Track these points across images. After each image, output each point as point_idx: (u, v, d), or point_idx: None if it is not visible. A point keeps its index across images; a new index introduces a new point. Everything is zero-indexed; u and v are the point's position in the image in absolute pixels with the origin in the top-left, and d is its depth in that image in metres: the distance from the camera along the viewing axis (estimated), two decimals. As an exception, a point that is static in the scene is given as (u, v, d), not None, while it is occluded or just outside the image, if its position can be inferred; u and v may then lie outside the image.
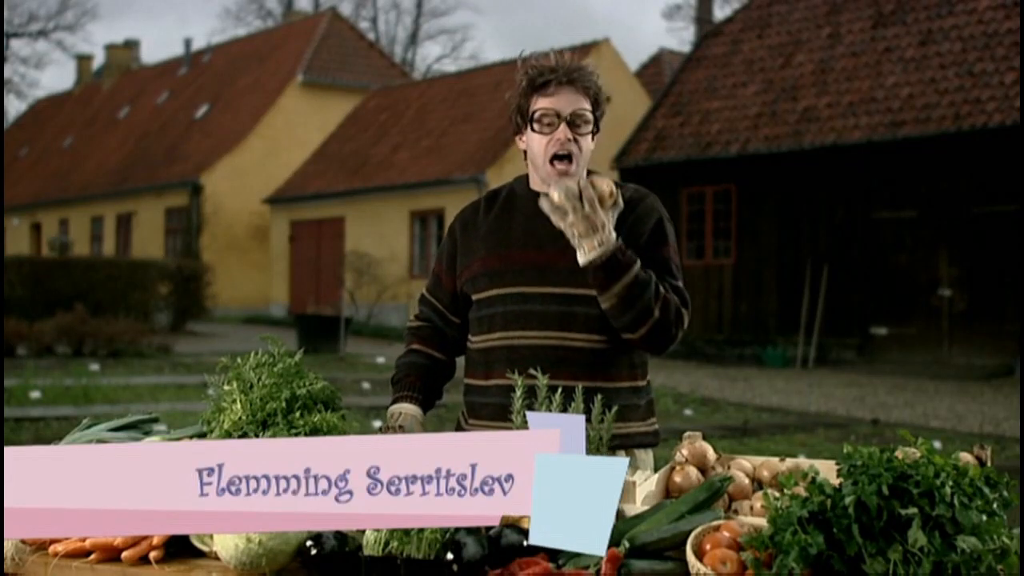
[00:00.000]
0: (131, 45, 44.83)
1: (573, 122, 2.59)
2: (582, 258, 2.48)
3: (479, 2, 73.84)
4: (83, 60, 45.97)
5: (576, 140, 2.60)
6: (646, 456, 2.74)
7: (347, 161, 27.72)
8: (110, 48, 43.05)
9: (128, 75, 41.93)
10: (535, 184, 2.72)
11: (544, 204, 2.45)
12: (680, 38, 65.87)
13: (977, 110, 16.43)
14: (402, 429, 2.65)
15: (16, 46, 62.43)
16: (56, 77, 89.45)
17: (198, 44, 41.32)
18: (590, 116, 2.62)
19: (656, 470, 2.37)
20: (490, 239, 2.72)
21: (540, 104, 2.60)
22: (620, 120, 22.74)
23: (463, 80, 28.61)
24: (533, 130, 2.62)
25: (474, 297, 2.73)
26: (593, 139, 2.67)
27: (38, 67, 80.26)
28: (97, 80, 43.95)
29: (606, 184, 2.47)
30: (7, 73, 47.06)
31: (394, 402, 2.75)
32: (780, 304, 18.66)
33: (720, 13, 33.84)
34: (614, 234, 2.47)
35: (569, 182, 2.44)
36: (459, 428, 2.80)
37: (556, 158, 2.61)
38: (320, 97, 31.36)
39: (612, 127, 22.73)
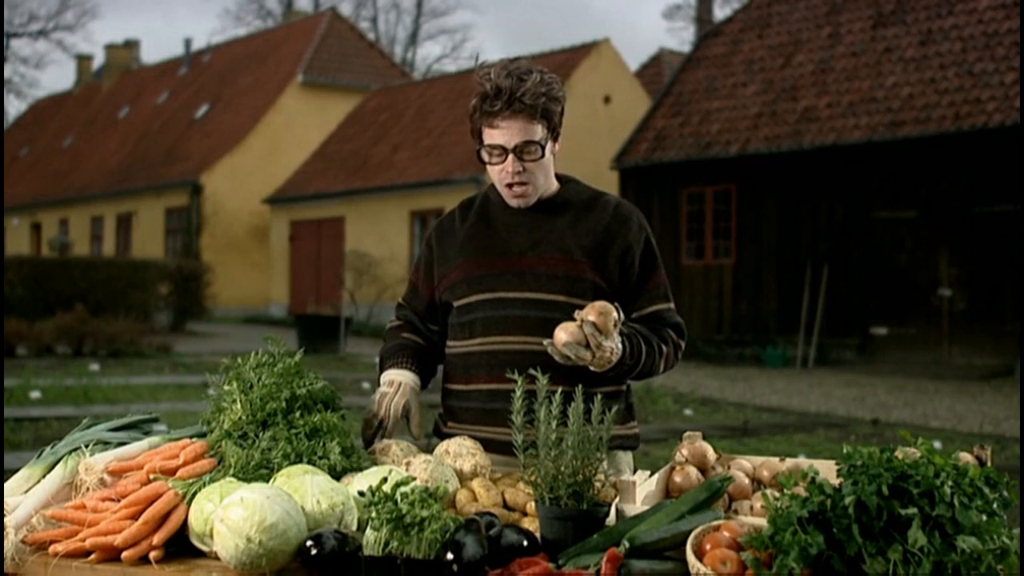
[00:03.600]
0: (131, 45, 44.84)
1: (521, 151, 2.58)
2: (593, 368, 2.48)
3: (479, 2, 73.87)
4: (83, 60, 45.97)
5: (526, 167, 2.61)
6: (625, 456, 2.75)
7: (347, 161, 27.72)
8: (110, 48, 43.05)
9: (128, 75, 41.93)
10: (502, 191, 2.73)
11: (550, 350, 2.41)
12: (680, 38, 65.94)
13: (977, 110, 16.43)
14: (398, 396, 2.67)
15: (16, 46, 62.45)
16: (56, 77, 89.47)
17: (198, 44, 41.38)
18: (537, 143, 2.59)
19: (648, 471, 2.37)
20: (468, 246, 2.73)
21: (488, 137, 2.60)
22: (620, 120, 22.75)
23: (463, 80, 28.59)
24: (482, 160, 2.66)
25: (454, 304, 2.73)
26: (556, 143, 2.66)
27: (38, 67, 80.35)
28: (97, 80, 43.95)
29: (609, 317, 2.39)
30: (7, 73, 47.11)
31: (389, 368, 2.74)
32: (780, 304, 18.66)
33: (720, 13, 33.88)
34: (620, 347, 2.46)
35: (570, 336, 2.37)
36: (437, 431, 2.79)
37: (509, 185, 2.65)
38: (320, 97, 31.36)
39: (612, 127, 22.83)
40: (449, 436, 2.66)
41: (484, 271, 2.68)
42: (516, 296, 2.62)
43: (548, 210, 2.70)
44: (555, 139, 2.65)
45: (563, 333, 2.38)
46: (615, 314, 2.39)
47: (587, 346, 2.37)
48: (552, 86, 2.60)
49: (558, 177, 2.75)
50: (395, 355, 2.76)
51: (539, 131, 2.59)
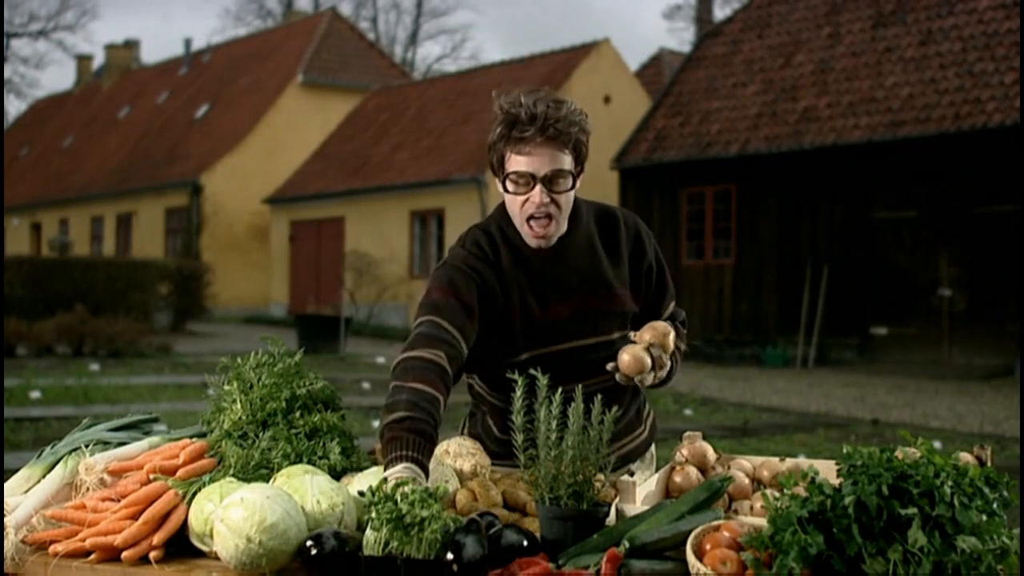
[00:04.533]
0: (131, 45, 44.87)
1: (550, 180, 2.45)
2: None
3: (479, 2, 73.91)
4: (83, 60, 46.00)
5: (554, 200, 2.46)
6: (648, 454, 2.81)
7: (347, 161, 27.73)
8: (110, 48, 43.07)
9: (128, 75, 41.95)
10: (521, 226, 2.54)
11: (617, 377, 2.42)
12: (680, 38, 65.96)
13: (977, 110, 16.43)
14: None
15: (16, 46, 62.50)
16: (56, 77, 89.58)
17: (198, 44, 41.42)
18: (568, 173, 2.46)
19: (656, 469, 2.37)
20: (514, 295, 2.54)
21: (515, 164, 2.45)
22: (620, 120, 22.75)
23: (463, 80, 28.61)
24: (507, 190, 2.49)
25: (505, 360, 2.53)
26: (578, 179, 2.53)
27: (38, 67, 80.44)
28: (97, 80, 43.96)
29: (669, 338, 2.45)
30: (7, 73, 47.12)
31: (401, 461, 2.17)
32: (780, 304, 18.66)
33: (720, 13, 33.92)
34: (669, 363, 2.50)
35: (637, 362, 2.38)
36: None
37: (533, 218, 2.48)
38: (320, 97, 31.36)
39: (612, 127, 22.83)
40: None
41: (536, 323, 2.54)
42: (578, 345, 2.52)
43: (572, 241, 2.57)
44: (578, 175, 2.52)
45: (628, 357, 2.40)
46: (673, 334, 2.46)
47: (651, 368, 2.42)
48: (584, 118, 2.49)
49: None
50: (415, 440, 2.20)
51: (568, 162, 2.46)
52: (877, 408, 12.44)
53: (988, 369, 15.89)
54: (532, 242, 2.53)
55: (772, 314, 18.75)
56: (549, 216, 2.47)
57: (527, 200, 2.46)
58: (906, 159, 17.12)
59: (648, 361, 2.40)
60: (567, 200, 2.50)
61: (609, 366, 2.41)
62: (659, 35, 75.57)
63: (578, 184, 2.54)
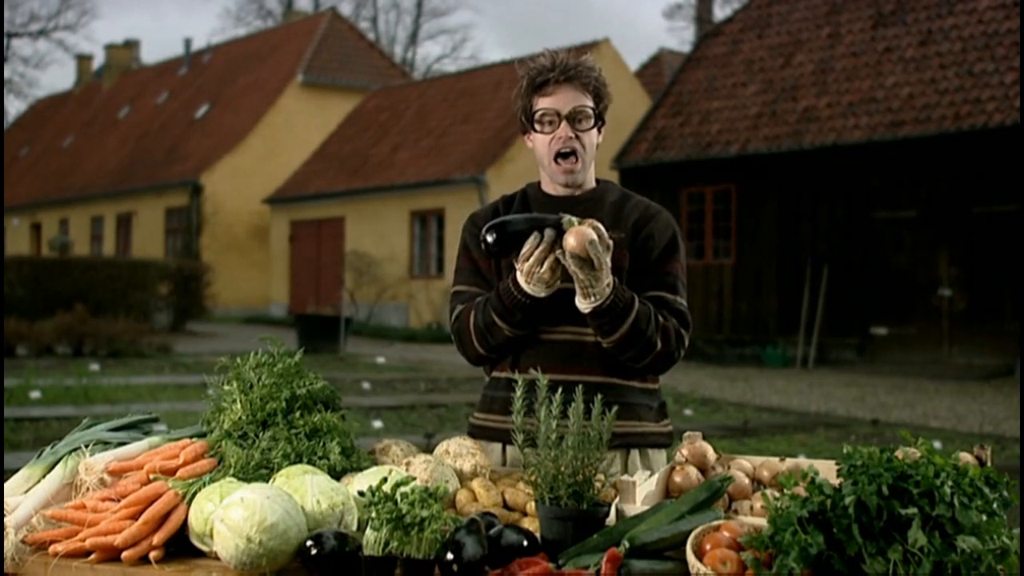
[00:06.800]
0: (131, 45, 44.87)
1: (574, 118, 2.62)
2: (584, 306, 2.48)
3: (479, 1, 73.88)
4: (83, 60, 46.00)
5: (578, 136, 2.63)
6: (659, 456, 2.74)
7: (347, 161, 27.73)
8: (110, 48, 43.06)
9: (128, 75, 41.95)
10: (546, 186, 2.75)
11: (560, 257, 2.42)
12: (680, 38, 66.00)
13: (977, 110, 16.42)
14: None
15: (16, 46, 62.52)
16: (56, 77, 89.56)
17: (198, 44, 41.41)
18: (590, 111, 2.64)
19: (649, 472, 2.37)
20: None
21: (540, 104, 2.64)
22: (620, 120, 22.72)
23: (463, 80, 28.61)
24: (535, 130, 2.66)
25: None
26: (599, 132, 2.70)
27: (38, 67, 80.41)
28: (97, 80, 43.96)
29: (600, 228, 2.43)
30: (7, 73, 47.14)
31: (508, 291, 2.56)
32: (780, 304, 18.66)
33: (720, 13, 33.92)
34: (612, 285, 2.48)
35: (579, 233, 2.38)
36: (470, 429, 2.78)
37: (560, 156, 2.64)
38: (320, 97, 31.36)
39: (612, 127, 22.73)
40: (479, 427, 2.72)
41: None
42: (566, 286, 2.56)
43: (586, 203, 2.70)
44: (599, 128, 2.70)
45: (573, 239, 2.38)
46: (602, 228, 2.42)
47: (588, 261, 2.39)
48: (604, 77, 2.69)
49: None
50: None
51: (590, 103, 2.65)
52: (877, 408, 12.44)
53: (988, 369, 15.89)
54: (560, 179, 2.68)
55: (772, 314, 18.75)
56: (575, 152, 2.64)
57: (553, 138, 2.64)
58: (906, 159, 17.12)
59: (591, 233, 2.36)
60: (590, 141, 2.67)
61: (557, 252, 2.42)
62: (659, 35, 75.57)
63: (599, 139, 2.70)
